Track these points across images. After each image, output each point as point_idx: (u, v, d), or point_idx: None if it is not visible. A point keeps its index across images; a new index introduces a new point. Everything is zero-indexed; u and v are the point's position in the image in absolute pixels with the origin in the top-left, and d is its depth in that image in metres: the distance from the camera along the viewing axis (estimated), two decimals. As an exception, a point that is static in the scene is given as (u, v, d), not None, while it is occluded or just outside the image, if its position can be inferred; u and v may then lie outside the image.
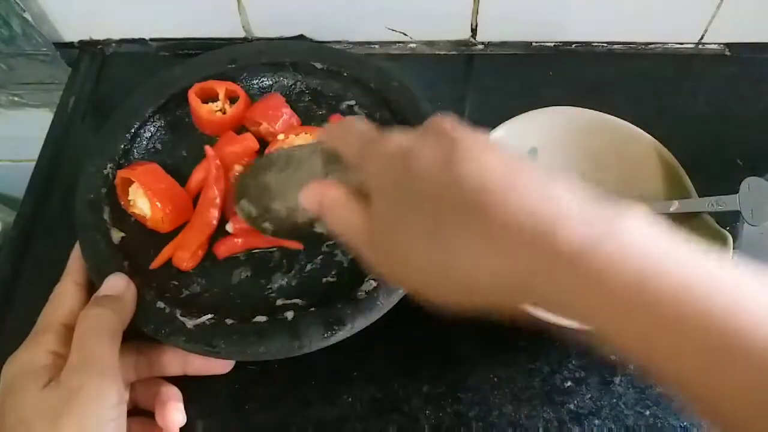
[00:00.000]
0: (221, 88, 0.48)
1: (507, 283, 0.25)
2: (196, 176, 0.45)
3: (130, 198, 0.43)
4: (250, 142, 0.47)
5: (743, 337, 0.20)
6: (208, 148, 0.45)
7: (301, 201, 0.33)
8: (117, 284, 0.38)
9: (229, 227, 0.43)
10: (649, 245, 0.23)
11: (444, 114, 0.29)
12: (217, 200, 0.44)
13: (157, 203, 0.42)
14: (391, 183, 0.28)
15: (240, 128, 0.48)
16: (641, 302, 0.22)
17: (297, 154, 0.36)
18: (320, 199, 0.32)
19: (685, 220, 0.43)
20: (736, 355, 0.20)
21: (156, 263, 0.42)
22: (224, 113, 0.48)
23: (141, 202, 0.43)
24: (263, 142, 0.47)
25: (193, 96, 0.47)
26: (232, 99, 0.49)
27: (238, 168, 0.45)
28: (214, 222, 0.43)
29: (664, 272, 0.22)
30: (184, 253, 0.42)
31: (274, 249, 0.44)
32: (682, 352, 0.21)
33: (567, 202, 0.24)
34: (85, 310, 0.36)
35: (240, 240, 0.43)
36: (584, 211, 0.24)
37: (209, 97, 0.48)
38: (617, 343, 0.23)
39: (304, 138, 0.46)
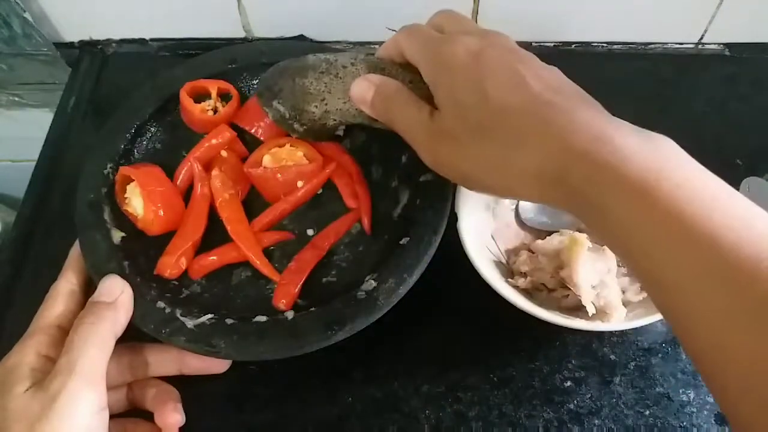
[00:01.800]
0: (213, 86, 0.48)
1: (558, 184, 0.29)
2: (178, 177, 0.45)
3: (126, 195, 0.43)
4: (226, 132, 0.46)
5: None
6: (192, 161, 0.45)
7: (353, 92, 0.34)
8: (112, 288, 0.38)
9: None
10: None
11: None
12: (205, 212, 0.44)
13: (151, 205, 0.42)
14: (461, 81, 0.30)
15: (233, 126, 0.47)
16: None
17: (338, 60, 0.37)
18: (380, 90, 0.33)
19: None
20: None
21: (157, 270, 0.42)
22: (215, 112, 0.47)
23: (135, 201, 0.42)
24: (259, 141, 0.47)
25: (184, 95, 0.46)
26: (225, 97, 0.48)
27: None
28: (199, 235, 0.43)
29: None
30: (169, 259, 0.41)
31: (273, 248, 0.44)
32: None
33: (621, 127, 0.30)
34: (79, 317, 0.35)
35: (215, 257, 0.43)
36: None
37: (202, 96, 0.48)
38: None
39: (288, 150, 0.44)
